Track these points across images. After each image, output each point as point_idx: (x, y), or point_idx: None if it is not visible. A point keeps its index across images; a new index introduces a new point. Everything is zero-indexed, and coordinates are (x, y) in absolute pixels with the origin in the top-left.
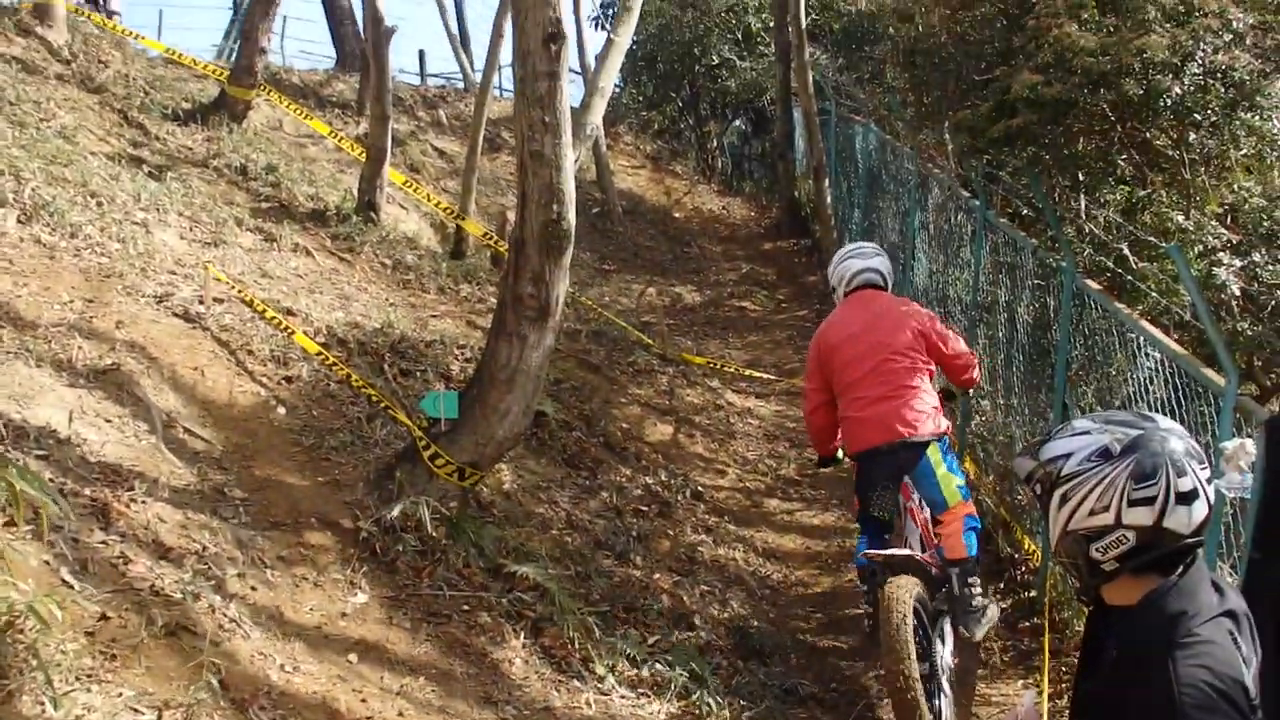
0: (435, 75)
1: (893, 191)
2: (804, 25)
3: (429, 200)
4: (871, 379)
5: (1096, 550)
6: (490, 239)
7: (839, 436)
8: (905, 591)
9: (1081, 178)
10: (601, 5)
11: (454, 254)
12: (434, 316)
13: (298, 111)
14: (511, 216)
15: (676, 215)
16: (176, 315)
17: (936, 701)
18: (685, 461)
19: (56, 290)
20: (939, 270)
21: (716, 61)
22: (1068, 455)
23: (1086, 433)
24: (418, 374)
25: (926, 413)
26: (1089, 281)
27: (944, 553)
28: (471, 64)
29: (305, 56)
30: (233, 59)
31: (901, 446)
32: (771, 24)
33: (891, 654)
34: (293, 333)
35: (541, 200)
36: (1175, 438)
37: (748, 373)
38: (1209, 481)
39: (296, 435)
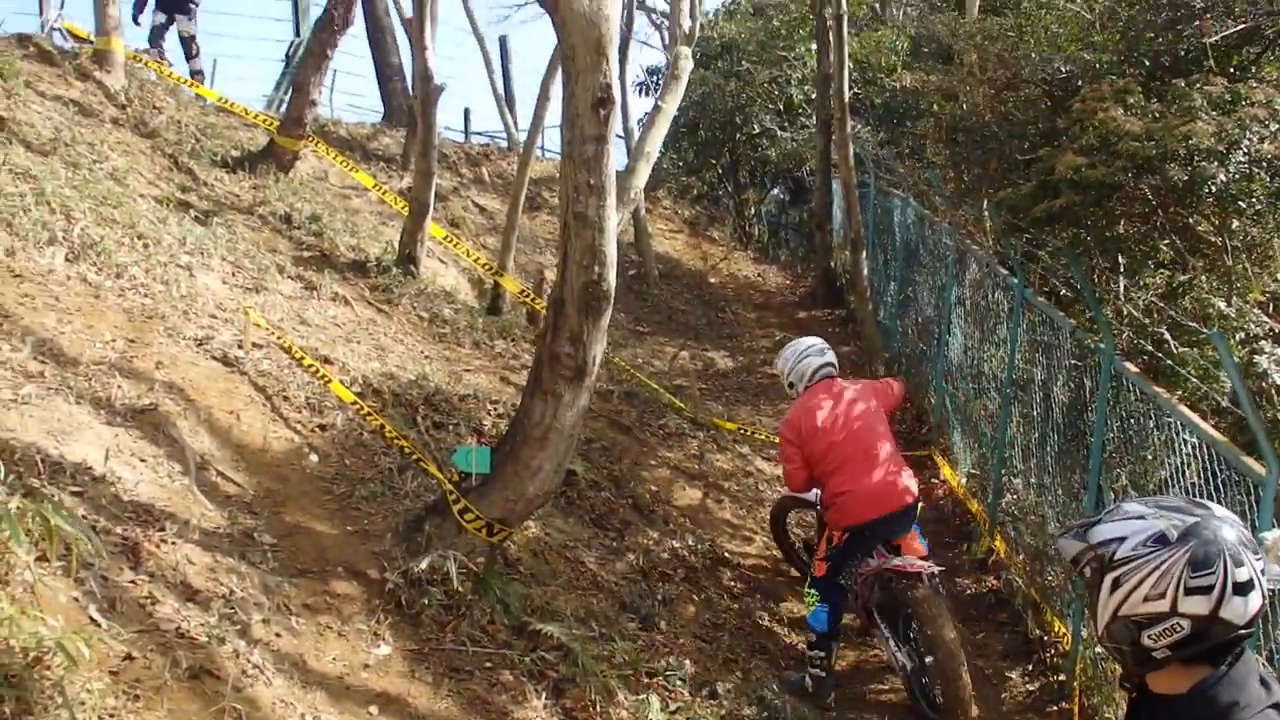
0: (479, 133)
1: (929, 266)
2: (846, 99)
3: (468, 255)
4: (863, 459)
5: (1148, 637)
6: (527, 296)
7: (825, 508)
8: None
9: (1122, 260)
10: (646, 71)
11: (490, 309)
12: (468, 370)
13: (344, 163)
14: (549, 274)
15: (712, 280)
16: (215, 359)
17: None
18: (713, 527)
19: (99, 329)
20: (974, 346)
21: (757, 130)
22: (1121, 539)
23: (1140, 517)
24: (450, 427)
25: (910, 476)
26: (1127, 364)
27: (908, 560)
28: (515, 123)
29: (353, 109)
30: (282, 109)
31: (903, 512)
32: (813, 96)
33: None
34: (329, 381)
35: (583, 261)
36: (1230, 526)
37: (778, 440)
38: (1263, 572)
39: (328, 483)
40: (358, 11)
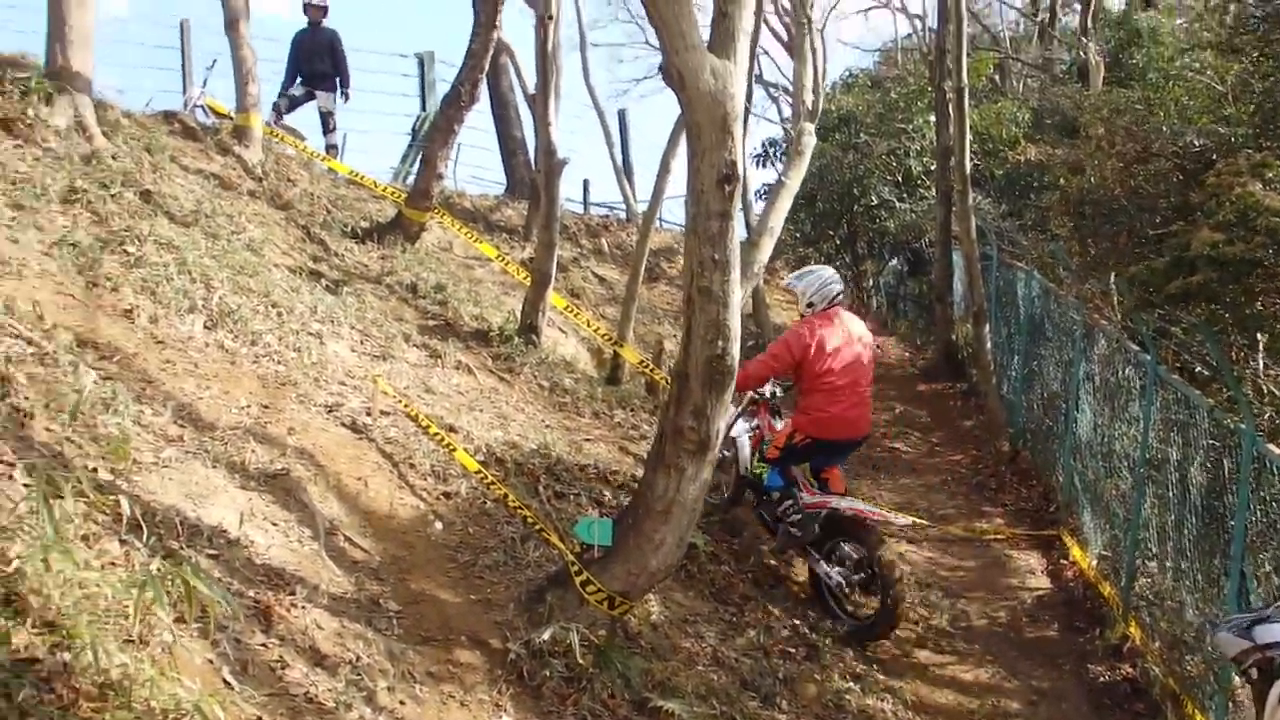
0: (598, 204)
1: (1055, 340)
2: (968, 171)
3: (588, 325)
4: (851, 390)
5: None
6: (646, 366)
7: (801, 413)
8: None
9: (1261, 338)
10: (764, 143)
11: (610, 379)
12: (588, 440)
13: (468, 235)
14: (668, 345)
15: None
16: (344, 425)
17: None
18: None
19: (235, 395)
20: (1104, 424)
21: (876, 202)
22: None
23: None
24: (571, 497)
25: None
26: (1270, 445)
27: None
28: (634, 195)
29: (476, 181)
30: (406, 180)
31: (858, 441)
32: (932, 168)
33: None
34: (454, 449)
35: (707, 336)
36: None
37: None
38: None
39: (452, 551)
40: (483, 88)
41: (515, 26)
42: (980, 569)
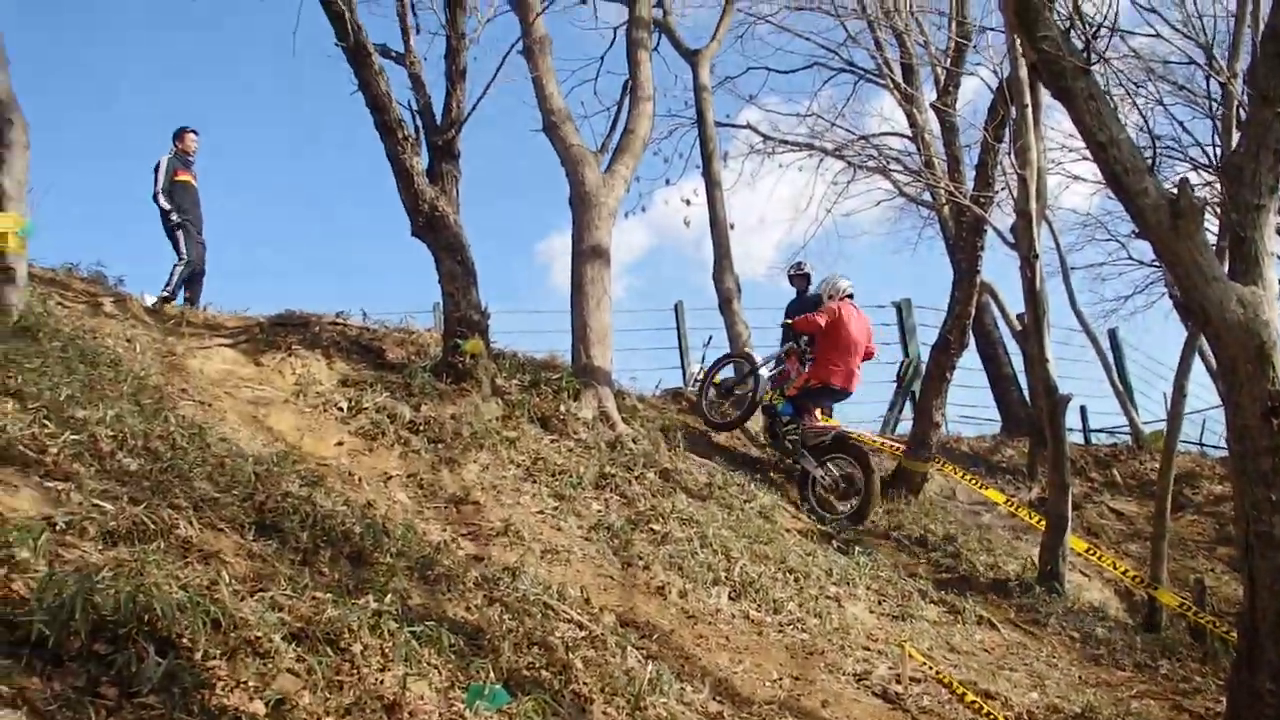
0: (1099, 430)
1: None
2: None
3: (1114, 568)
4: (854, 354)
5: None
6: (1187, 609)
7: (818, 366)
8: None
9: None
10: None
11: (1146, 626)
12: (1133, 697)
13: (971, 480)
14: (1209, 583)
15: None
16: (875, 694)
17: None
18: None
19: (767, 667)
20: None
21: None
22: None
23: None
24: None
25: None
26: None
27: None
28: (1138, 416)
29: (967, 421)
30: (896, 429)
31: (850, 392)
32: None
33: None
34: (993, 717)
35: (1275, 587)
36: None
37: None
38: None
39: None
40: (969, 332)
41: (992, 260)
42: None
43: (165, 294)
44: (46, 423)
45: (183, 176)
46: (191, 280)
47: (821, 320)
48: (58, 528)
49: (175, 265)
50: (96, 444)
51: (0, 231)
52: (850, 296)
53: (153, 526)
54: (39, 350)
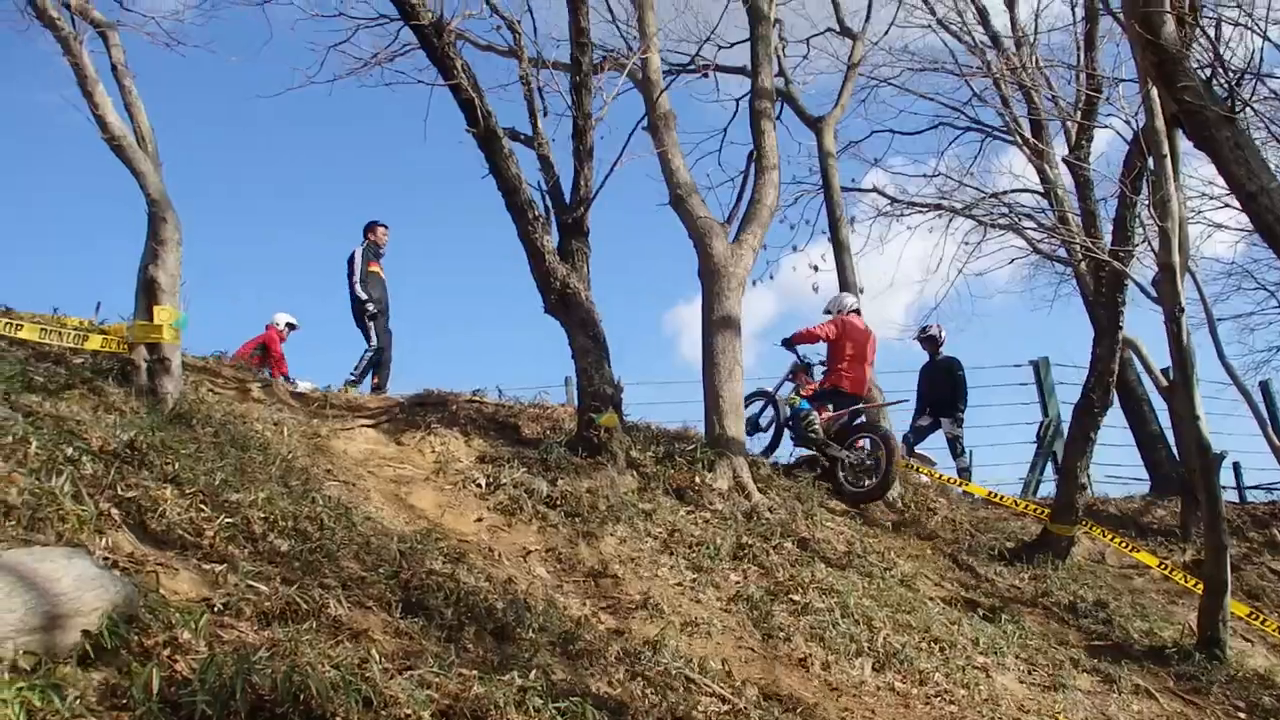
0: (1254, 487)
1: None
2: None
3: (1279, 633)
4: (863, 363)
5: None
6: None
7: (831, 373)
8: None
9: None
10: None
11: None
12: None
13: (1120, 543)
14: None
15: None
16: None
17: None
18: None
19: None
20: None
21: None
22: None
23: None
24: None
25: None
26: None
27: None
28: None
29: (1112, 481)
30: (1038, 490)
31: (860, 398)
32: None
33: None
34: None
35: None
36: None
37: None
38: None
39: None
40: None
41: (1133, 313)
42: None
43: (352, 377)
44: (202, 507)
45: (374, 268)
46: (380, 365)
47: (822, 333)
48: (216, 609)
49: (365, 351)
50: (249, 526)
51: (156, 324)
52: (857, 312)
53: (304, 606)
54: (193, 436)
